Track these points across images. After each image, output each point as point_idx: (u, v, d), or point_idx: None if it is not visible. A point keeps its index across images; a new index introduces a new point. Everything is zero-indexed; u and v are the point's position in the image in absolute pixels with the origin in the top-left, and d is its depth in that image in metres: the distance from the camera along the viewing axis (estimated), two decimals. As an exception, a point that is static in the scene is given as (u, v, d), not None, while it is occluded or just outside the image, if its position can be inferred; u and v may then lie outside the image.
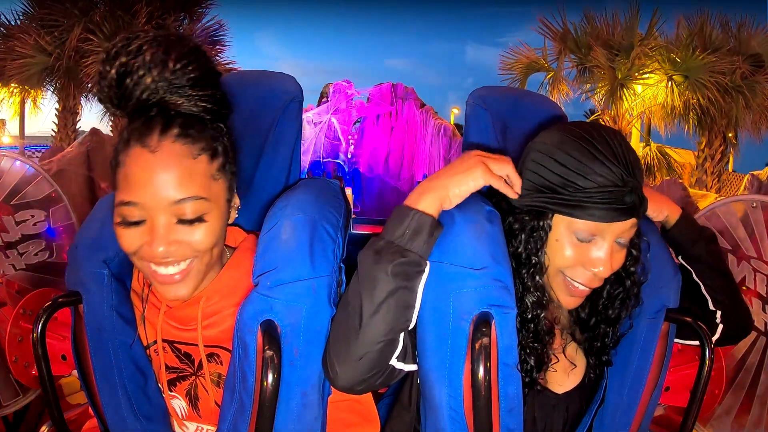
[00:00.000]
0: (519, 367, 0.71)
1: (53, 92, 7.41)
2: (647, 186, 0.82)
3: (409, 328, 0.71)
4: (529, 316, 0.76)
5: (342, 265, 0.78)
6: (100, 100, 0.66)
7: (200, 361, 0.79)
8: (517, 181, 0.75)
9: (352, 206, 0.99)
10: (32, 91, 7.53)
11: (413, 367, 0.74)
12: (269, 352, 0.67)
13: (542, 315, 0.77)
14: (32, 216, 1.54)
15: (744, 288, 1.44)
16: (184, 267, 0.69)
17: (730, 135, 7.48)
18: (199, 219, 0.67)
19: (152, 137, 0.64)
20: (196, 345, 0.78)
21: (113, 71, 0.62)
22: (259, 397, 0.68)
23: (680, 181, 4.82)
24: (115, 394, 0.79)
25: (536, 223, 0.75)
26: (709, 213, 1.56)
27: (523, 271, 0.76)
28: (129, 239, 0.66)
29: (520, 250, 0.76)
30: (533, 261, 0.76)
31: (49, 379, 0.79)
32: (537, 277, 0.76)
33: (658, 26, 7.45)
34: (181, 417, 0.82)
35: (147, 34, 0.64)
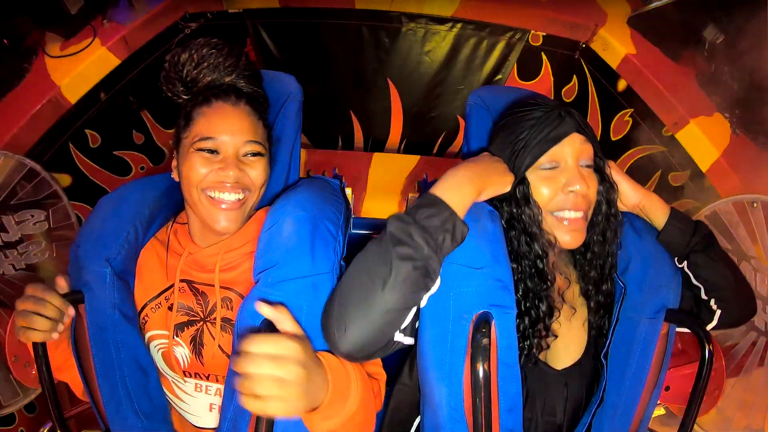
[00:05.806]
0: (533, 313, 0.77)
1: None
2: (631, 179, 0.88)
3: (421, 307, 0.72)
4: (540, 264, 0.79)
5: (342, 263, 0.78)
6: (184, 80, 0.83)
7: (213, 304, 0.82)
8: None
9: (352, 205, 1.01)
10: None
11: (411, 341, 0.75)
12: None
13: (548, 257, 0.81)
14: (32, 216, 1.54)
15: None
16: (242, 197, 0.82)
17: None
18: (260, 154, 0.84)
19: (231, 98, 0.83)
20: (213, 285, 0.82)
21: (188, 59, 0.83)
22: None
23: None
24: (116, 392, 0.80)
25: (518, 188, 0.80)
26: (709, 213, 1.56)
27: (524, 217, 0.80)
28: (203, 163, 0.80)
29: (515, 211, 0.80)
30: (528, 211, 0.80)
31: (49, 379, 0.78)
32: (539, 219, 0.80)
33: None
34: (183, 367, 0.84)
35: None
